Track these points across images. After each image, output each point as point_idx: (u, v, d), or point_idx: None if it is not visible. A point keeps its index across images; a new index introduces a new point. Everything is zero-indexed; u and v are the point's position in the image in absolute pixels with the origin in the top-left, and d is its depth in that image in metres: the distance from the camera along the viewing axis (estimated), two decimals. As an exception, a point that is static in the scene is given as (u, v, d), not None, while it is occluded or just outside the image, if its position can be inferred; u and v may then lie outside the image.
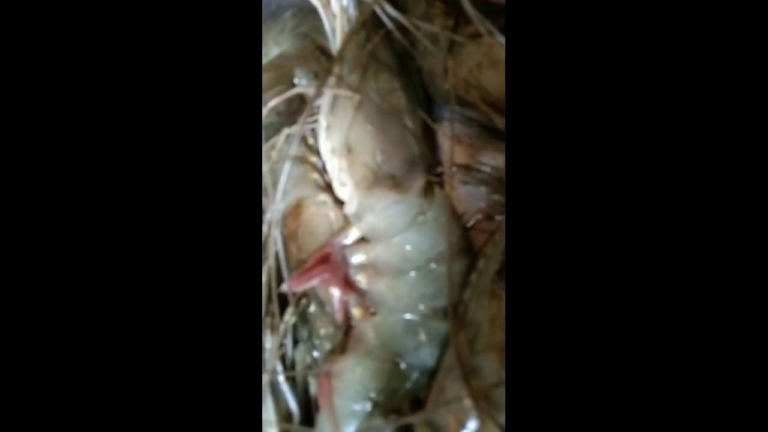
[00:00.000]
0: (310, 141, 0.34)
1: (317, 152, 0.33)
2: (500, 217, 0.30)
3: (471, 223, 0.32)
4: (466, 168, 0.30)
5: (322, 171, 0.33)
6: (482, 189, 0.29)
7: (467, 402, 0.25)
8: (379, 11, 0.30)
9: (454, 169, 0.30)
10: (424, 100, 0.32)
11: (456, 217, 0.30)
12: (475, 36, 0.29)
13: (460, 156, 0.31)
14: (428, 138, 0.31)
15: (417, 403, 0.29)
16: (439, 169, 0.31)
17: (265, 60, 0.36)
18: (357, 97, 0.30)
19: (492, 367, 0.26)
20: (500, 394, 0.26)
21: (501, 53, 0.28)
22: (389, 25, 0.30)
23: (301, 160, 0.34)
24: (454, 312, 0.28)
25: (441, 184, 0.31)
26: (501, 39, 0.28)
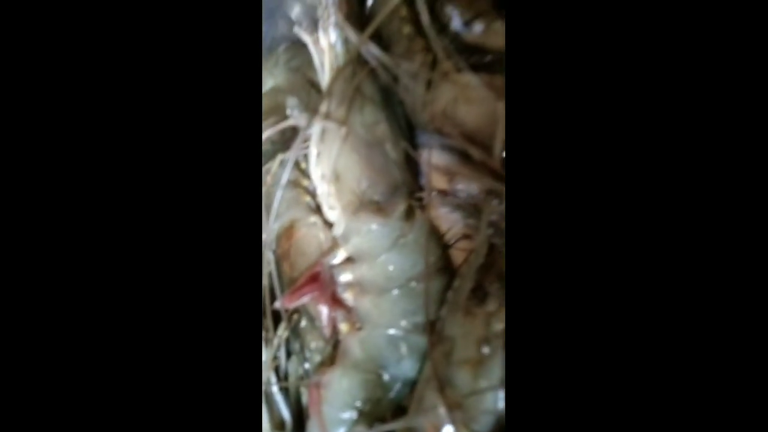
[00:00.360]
0: (303, 165, 0.36)
1: (309, 176, 0.35)
2: (477, 238, 0.32)
3: (453, 242, 0.34)
4: (444, 193, 0.32)
5: (314, 193, 0.35)
6: (457, 213, 0.32)
7: (442, 410, 0.27)
8: (363, 51, 0.32)
9: (434, 193, 0.33)
10: (407, 129, 0.35)
11: (436, 238, 0.33)
12: (451, 72, 0.32)
13: (440, 182, 0.33)
14: (410, 165, 0.34)
15: (401, 411, 0.32)
16: (420, 194, 0.33)
17: (260, 91, 0.39)
18: (344, 129, 0.32)
19: (465, 379, 0.28)
20: (473, 403, 0.28)
21: (474, 89, 0.31)
22: (372, 63, 0.32)
23: (294, 184, 0.36)
24: (432, 328, 0.30)
25: (423, 208, 0.33)
26: (472, 77, 0.30)
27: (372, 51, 0.32)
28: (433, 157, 0.34)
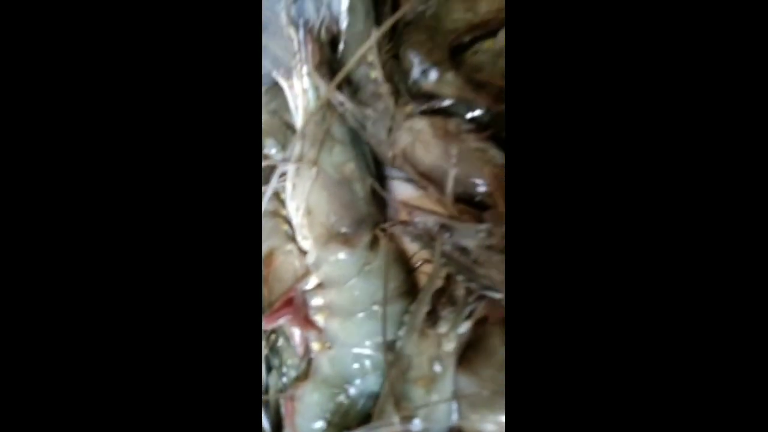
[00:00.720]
0: (282, 196, 0.40)
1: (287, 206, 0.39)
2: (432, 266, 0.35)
3: (417, 266, 0.38)
4: (405, 224, 0.36)
5: (291, 222, 0.39)
6: (416, 243, 0.35)
7: (398, 421, 0.31)
8: (331, 98, 0.36)
9: (397, 224, 0.36)
10: (374, 165, 0.39)
11: (398, 265, 0.36)
12: (411, 116, 0.36)
13: (402, 214, 0.37)
14: (376, 199, 0.37)
15: (366, 421, 0.35)
16: (383, 225, 0.37)
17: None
18: (314, 169, 0.36)
19: (419, 393, 0.32)
20: (426, 415, 0.32)
21: (428, 133, 0.34)
22: (340, 110, 0.36)
23: (274, 214, 0.40)
24: (391, 347, 0.34)
25: (387, 237, 0.37)
26: (426, 121, 0.34)
27: (339, 98, 0.36)
28: (397, 191, 0.38)
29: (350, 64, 0.36)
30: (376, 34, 0.35)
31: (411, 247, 0.37)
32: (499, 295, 0.32)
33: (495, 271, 0.31)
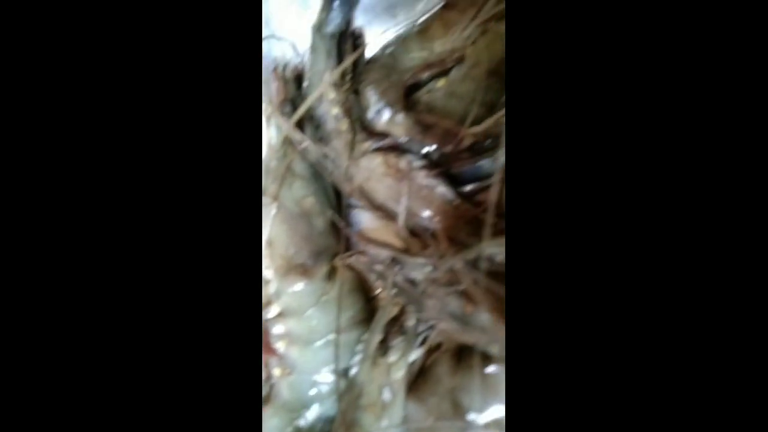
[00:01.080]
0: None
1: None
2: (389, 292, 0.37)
3: (376, 294, 0.40)
4: (362, 254, 0.38)
5: (259, 251, 0.41)
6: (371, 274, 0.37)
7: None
8: (291, 137, 0.38)
9: (354, 255, 0.38)
10: (335, 196, 0.40)
11: (356, 293, 0.38)
12: (366, 153, 0.37)
13: (360, 245, 0.39)
14: (335, 230, 0.39)
15: (325, 444, 0.37)
16: (341, 255, 0.38)
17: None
18: (275, 204, 0.38)
19: (369, 420, 0.34)
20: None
21: (380, 172, 0.36)
22: (299, 148, 0.38)
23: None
24: (345, 374, 0.35)
25: (344, 267, 0.38)
26: (380, 159, 0.36)
27: (298, 137, 0.38)
28: (359, 220, 0.40)
29: (305, 105, 0.38)
30: (328, 77, 0.37)
31: (369, 277, 0.39)
32: (444, 326, 0.33)
33: (437, 303, 0.33)
